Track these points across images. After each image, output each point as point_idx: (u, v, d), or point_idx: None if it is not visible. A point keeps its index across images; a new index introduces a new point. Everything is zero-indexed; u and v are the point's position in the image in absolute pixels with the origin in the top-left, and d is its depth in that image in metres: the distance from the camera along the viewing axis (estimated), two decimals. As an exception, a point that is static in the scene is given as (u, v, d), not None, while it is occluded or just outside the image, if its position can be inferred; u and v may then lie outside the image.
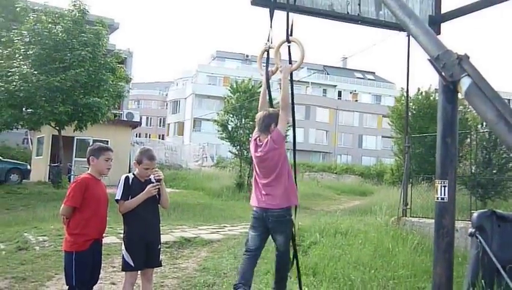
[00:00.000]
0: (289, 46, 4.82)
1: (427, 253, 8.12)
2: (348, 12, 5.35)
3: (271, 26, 4.86)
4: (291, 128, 5.21)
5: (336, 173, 42.40)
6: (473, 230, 3.08)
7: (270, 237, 4.83)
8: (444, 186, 3.05)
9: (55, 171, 21.60)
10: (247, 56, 71.99)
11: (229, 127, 24.56)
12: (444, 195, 3.04)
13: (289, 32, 4.78)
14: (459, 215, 9.41)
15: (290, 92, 4.67)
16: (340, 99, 70.60)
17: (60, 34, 19.54)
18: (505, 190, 14.51)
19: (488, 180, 14.09)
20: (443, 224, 3.06)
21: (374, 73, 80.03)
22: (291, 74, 4.79)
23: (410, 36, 3.57)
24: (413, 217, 10.78)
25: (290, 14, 4.78)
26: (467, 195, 11.99)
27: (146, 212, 4.66)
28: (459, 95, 2.87)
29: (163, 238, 6.35)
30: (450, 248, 3.07)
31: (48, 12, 20.55)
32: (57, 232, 8.99)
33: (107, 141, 21.45)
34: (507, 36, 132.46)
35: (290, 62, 4.83)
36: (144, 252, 4.63)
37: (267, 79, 4.98)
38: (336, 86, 71.41)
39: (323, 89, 71.16)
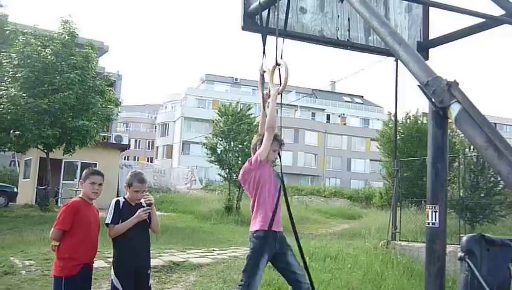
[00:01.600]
0: (279, 70, 4.87)
1: (416, 277, 8.13)
2: (337, 38, 5.41)
3: (264, 52, 4.91)
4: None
5: (324, 196, 42.39)
6: (463, 254, 3.07)
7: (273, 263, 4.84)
8: (435, 212, 3.06)
9: (42, 194, 21.40)
10: (236, 79, 72.35)
11: (218, 151, 24.55)
12: (435, 220, 3.06)
13: (279, 57, 4.82)
14: (448, 239, 9.44)
15: (275, 115, 4.69)
16: (329, 122, 70.98)
17: (49, 57, 19.51)
18: (492, 213, 14.60)
19: (476, 203, 14.18)
20: (434, 249, 3.07)
21: (363, 97, 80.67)
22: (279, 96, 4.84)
23: (398, 61, 3.62)
24: (402, 240, 10.80)
25: (280, 39, 4.83)
26: (456, 219, 12.06)
27: (136, 236, 4.62)
28: (449, 121, 2.90)
29: (152, 262, 6.29)
30: (441, 273, 3.07)
31: (38, 35, 20.54)
32: (44, 256, 8.87)
33: (96, 164, 21.38)
34: (494, 61, 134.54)
35: (280, 84, 4.88)
36: (134, 277, 4.58)
37: (264, 103, 5.03)
38: (324, 109, 71.83)
39: (312, 113, 71.53)
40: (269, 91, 4.97)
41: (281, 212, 4.76)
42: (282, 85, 4.85)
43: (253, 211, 4.76)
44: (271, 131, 4.67)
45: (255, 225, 4.67)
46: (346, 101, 75.93)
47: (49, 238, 4.56)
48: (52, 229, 4.39)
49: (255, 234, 4.63)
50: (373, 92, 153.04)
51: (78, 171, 24.49)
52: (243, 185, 4.91)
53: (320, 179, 62.49)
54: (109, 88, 23.00)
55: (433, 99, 2.86)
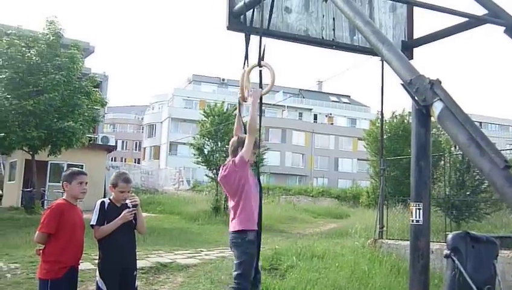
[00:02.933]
0: (260, 71, 4.86)
1: (403, 275, 8.17)
2: (322, 38, 5.42)
3: (246, 51, 4.90)
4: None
5: (312, 196, 42.48)
6: (448, 252, 3.11)
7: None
8: (419, 209, 3.09)
9: (28, 197, 21.21)
10: (223, 80, 72.26)
11: (205, 151, 24.52)
12: (419, 217, 3.09)
13: (261, 57, 4.82)
14: (434, 237, 9.51)
15: (257, 116, 4.68)
16: (316, 122, 71.14)
17: (34, 58, 19.35)
18: (478, 211, 14.72)
19: (462, 201, 14.30)
20: (418, 246, 3.09)
21: (349, 96, 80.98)
22: (261, 98, 4.82)
23: (384, 61, 3.64)
24: (389, 239, 10.85)
25: (264, 38, 4.83)
26: (442, 217, 12.15)
27: (122, 237, 4.59)
28: (432, 119, 2.93)
29: (139, 263, 6.27)
30: (425, 270, 3.10)
31: (22, 36, 20.32)
32: (29, 259, 8.79)
33: (82, 165, 21.21)
34: (477, 61, 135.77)
35: (261, 86, 4.86)
36: (119, 278, 4.56)
37: (239, 104, 5.06)
38: (311, 109, 71.99)
39: (299, 113, 71.66)
40: (247, 92, 4.94)
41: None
42: (267, 88, 4.85)
43: (234, 211, 4.76)
44: (254, 132, 4.68)
45: (238, 225, 4.68)
46: (333, 101, 76.16)
47: (34, 241, 4.51)
48: (37, 232, 4.34)
49: (246, 239, 4.64)
50: (360, 91, 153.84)
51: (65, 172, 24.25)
52: (223, 186, 4.90)
53: (307, 178, 62.64)
54: (95, 89, 22.85)
55: (416, 98, 2.89)
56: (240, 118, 5.15)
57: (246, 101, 5.00)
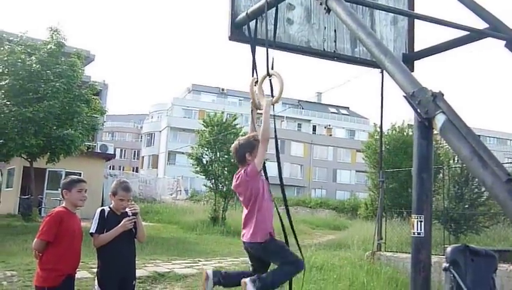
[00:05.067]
0: (270, 80, 4.86)
1: (401, 288, 8.15)
2: (324, 49, 5.44)
3: (254, 62, 4.92)
4: (276, 162, 5.14)
5: (310, 207, 42.43)
6: (447, 265, 3.10)
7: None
8: (420, 221, 3.08)
9: (25, 204, 21.15)
10: (222, 90, 72.40)
11: (204, 161, 24.48)
12: (421, 230, 3.08)
13: (269, 67, 4.83)
14: (432, 250, 9.49)
15: (270, 125, 4.67)
16: (315, 133, 71.23)
17: (34, 65, 19.35)
18: (476, 224, 14.72)
19: (461, 214, 14.29)
20: (420, 259, 3.09)
21: (348, 108, 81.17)
22: (272, 107, 4.82)
23: (384, 72, 3.65)
24: (387, 251, 10.83)
25: (271, 49, 4.85)
26: (440, 229, 12.14)
27: (121, 246, 4.57)
28: (434, 132, 2.93)
29: (137, 273, 6.23)
30: (426, 283, 3.09)
31: (23, 44, 20.32)
32: (26, 267, 8.76)
33: (80, 173, 21.12)
34: (476, 74, 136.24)
35: (272, 95, 4.86)
36: (118, 288, 4.53)
37: (252, 112, 5.03)
38: (310, 120, 72.13)
39: (298, 124, 71.80)
40: (259, 102, 4.96)
41: None
42: (276, 96, 4.86)
43: (247, 220, 4.66)
44: (266, 142, 4.65)
45: (256, 237, 4.58)
46: (332, 112, 76.33)
47: (32, 248, 4.49)
48: (36, 239, 4.32)
49: (266, 242, 4.57)
50: (359, 103, 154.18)
51: (64, 180, 24.19)
52: (238, 195, 4.83)
53: (306, 189, 62.57)
54: (95, 97, 22.85)
55: (418, 110, 2.89)
56: (253, 126, 5.11)
57: (260, 109, 4.98)
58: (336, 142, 70.06)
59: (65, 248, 4.31)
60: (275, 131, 4.79)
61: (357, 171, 62.25)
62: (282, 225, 4.76)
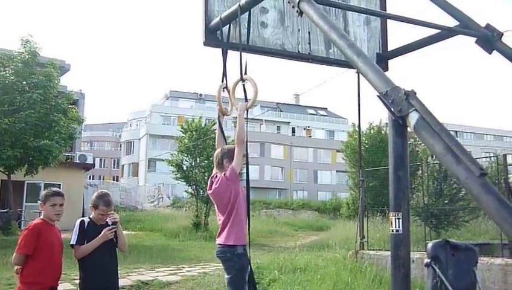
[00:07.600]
0: (244, 85, 4.88)
1: (385, 285, 8.21)
2: (298, 52, 5.49)
3: (224, 67, 4.93)
4: (245, 166, 5.19)
5: (292, 209, 42.53)
6: (429, 260, 3.14)
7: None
8: (398, 219, 3.12)
9: (4, 218, 20.77)
10: (200, 95, 72.19)
11: (184, 167, 24.40)
12: (399, 227, 3.12)
13: (243, 72, 4.85)
14: (414, 246, 9.59)
15: (245, 129, 4.71)
16: (294, 135, 71.39)
17: (9, 77, 19.10)
18: (457, 219, 14.89)
19: (441, 210, 14.45)
20: (399, 256, 3.12)
21: (326, 109, 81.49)
22: (246, 112, 4.84)
23: (360, 73, 3.69)
24: (370, 249, 10.90)
25: (243, 53, 4.86)
26: (421, 226, 12.26)
27: (103, 257, 4.53)
28: (408, 129, 2.97)
29: (120, 282, 6.18)
30: (406, 279, 3.12)
31: (-4, 55, 20.03)
32: (6, 281, 8.64)
33: (60, 185, 20.85)
34: (451, 70, 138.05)
35: (246, 100, 4.88)
36: (100, 299, 4.49)
37: (219, 118, 5.06)
38: (289, 122, 72.27)
39: (277, 126, 71.88)
40: (231, 107, 4.99)
41: None
42: (251, 101, 4.88)
43: (225, 224, 4.69)
44: (242, 144, 4.68)
45: (229, 240, 4.62)
46: (310, 114, 76.56)
47: (12, 263, 4.43)
48: (15, 254, 4.26)
49: (235, 253, 4.60)
50: (337, 104, 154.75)
51: (42, 192, 23.89)
52: (213, 199, 4.83)
53: (287, 192, 62.69)
54: (72, 106, 22.59)
55: (392, 109, 2.93)
56: (220, 131, 5.14)
57: (227, 115, 5.02)
58: (315, 143, 70.31)
59: (45, 261, 4.25)
60: (247, 136, 4.81)
61: (337, 171, 62.52)
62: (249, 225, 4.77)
